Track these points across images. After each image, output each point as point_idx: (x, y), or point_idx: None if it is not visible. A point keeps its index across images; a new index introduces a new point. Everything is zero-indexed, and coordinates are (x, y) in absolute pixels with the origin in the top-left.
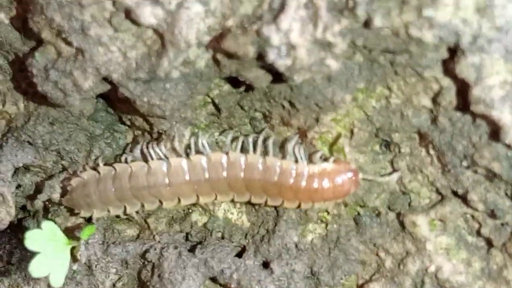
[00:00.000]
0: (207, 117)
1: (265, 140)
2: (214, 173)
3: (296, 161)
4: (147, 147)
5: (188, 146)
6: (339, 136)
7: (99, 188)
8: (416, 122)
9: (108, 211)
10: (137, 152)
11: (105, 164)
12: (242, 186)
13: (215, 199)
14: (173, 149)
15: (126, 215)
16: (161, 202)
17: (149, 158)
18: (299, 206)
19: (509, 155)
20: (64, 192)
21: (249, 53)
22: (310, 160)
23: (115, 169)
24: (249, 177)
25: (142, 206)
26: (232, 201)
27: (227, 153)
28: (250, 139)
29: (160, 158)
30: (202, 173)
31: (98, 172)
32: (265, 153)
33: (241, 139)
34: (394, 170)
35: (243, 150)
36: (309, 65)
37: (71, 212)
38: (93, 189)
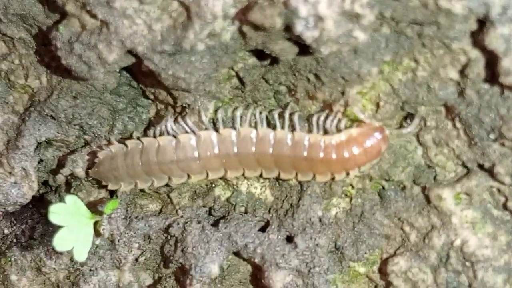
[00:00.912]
0: (231, 91)
1: (290, 115)
2: (243, 148)
3: (323, 134)
4: (174, 121)
5: (212, 120)
6: (346, 103)
7: (126, 162)
8: (442, 95)
9: (136, 184)
10: (162, 126)
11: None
12: (271, 162)
13: (243, 174)
14: (199, 123)
15: (151, 189)
16: (189, 176)
17: (173, 133)
18: (333, 179)
19: None
20: (91, 165)
21: (276, 24)
22: (335, 130)
23: (142, 143)
24: (277, 153)
25: (170, 180)
26: (260, 176)
27: (256, 128)
28: (276, 115)
29: (187, 132)
30: (231, 147)
31: (126, 146)
32: (291, 128)
33: (264, 114)
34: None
35: (268, 125)
36: (337, 37)
37: (99, 184)
38: (121, 163)
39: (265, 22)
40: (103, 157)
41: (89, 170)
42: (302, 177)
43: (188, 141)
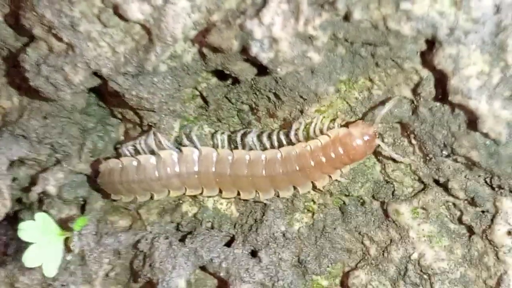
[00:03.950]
0: (195, 110)
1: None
2: (236, 170)
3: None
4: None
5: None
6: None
7: (122, 178)
8: (397, 113)
9: (135, 197)
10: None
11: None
12: (266, 183)
13: (238, 195)
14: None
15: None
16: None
17: (156, 148)
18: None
19: (487, 144)
20: (96, 173)
21: (233, 46)
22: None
23: (138, 160)
24: (270, 173)
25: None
26: (255, 200)
27: (249, 152)
28: (241, 136)
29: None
30: (227, 167)
31: (122, 162)
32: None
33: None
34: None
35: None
36: (292, 58)
37: (103, 193)
38: (117, 178)
39: (222, 44)
40: (103, 170)
41: (97, 179)
42: (303, 189)
43: (190, 156)
